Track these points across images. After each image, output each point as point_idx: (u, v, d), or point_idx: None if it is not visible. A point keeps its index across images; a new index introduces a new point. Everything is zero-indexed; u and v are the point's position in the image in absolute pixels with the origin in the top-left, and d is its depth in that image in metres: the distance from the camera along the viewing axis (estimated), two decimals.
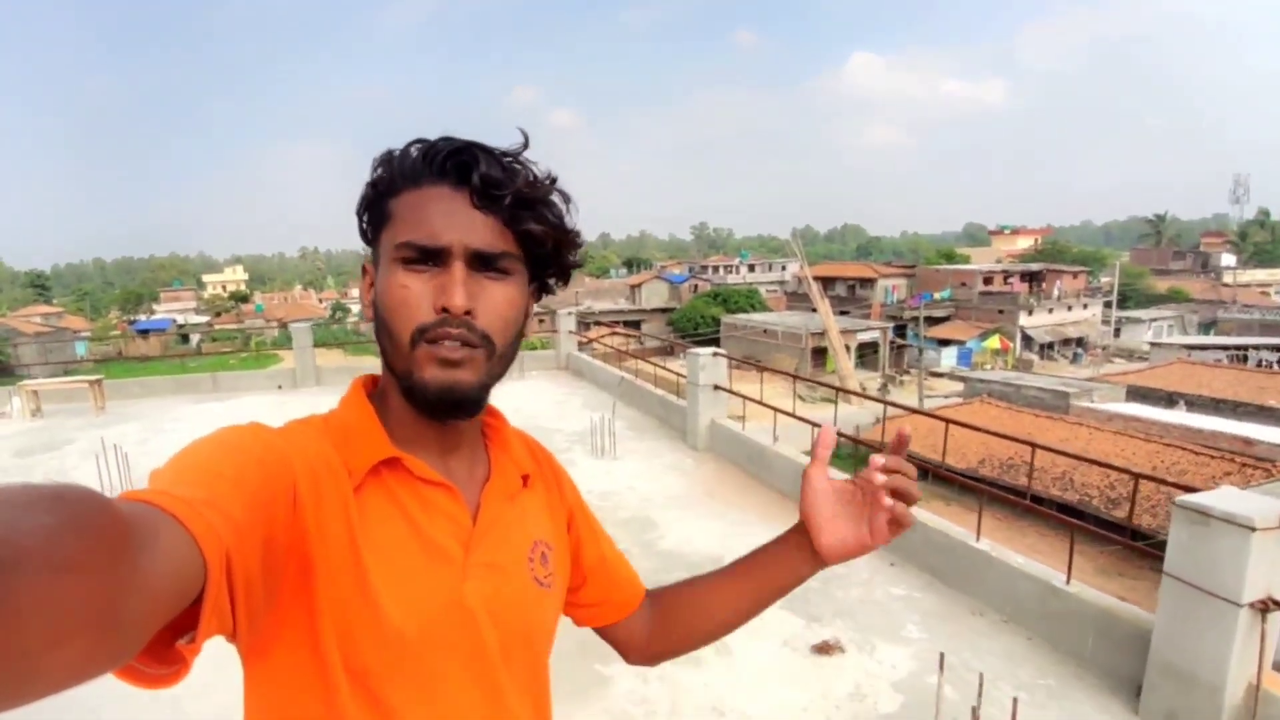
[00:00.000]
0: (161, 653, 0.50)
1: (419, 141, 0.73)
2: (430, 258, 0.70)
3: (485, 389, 0.73)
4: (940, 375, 33.61)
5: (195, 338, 41.79)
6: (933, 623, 3.72)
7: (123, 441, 6.98)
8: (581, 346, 12.03)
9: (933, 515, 4.41)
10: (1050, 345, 39.55)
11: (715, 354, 7.01)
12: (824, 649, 3.47)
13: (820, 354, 34.40)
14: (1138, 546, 3.89)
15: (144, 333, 39.53)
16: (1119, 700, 3.08)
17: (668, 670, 3.37)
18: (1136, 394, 23.57)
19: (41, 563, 0.35)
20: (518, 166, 0.71)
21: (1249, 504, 2.73)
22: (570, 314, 11.90)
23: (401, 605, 0.69)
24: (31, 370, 20.55)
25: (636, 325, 43.96)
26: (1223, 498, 2.80)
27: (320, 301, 66.69)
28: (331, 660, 0.66)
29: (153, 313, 62.91)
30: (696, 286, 53.45)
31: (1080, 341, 40.24)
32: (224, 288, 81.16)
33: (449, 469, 0.77)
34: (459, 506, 0.76)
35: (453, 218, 0.70)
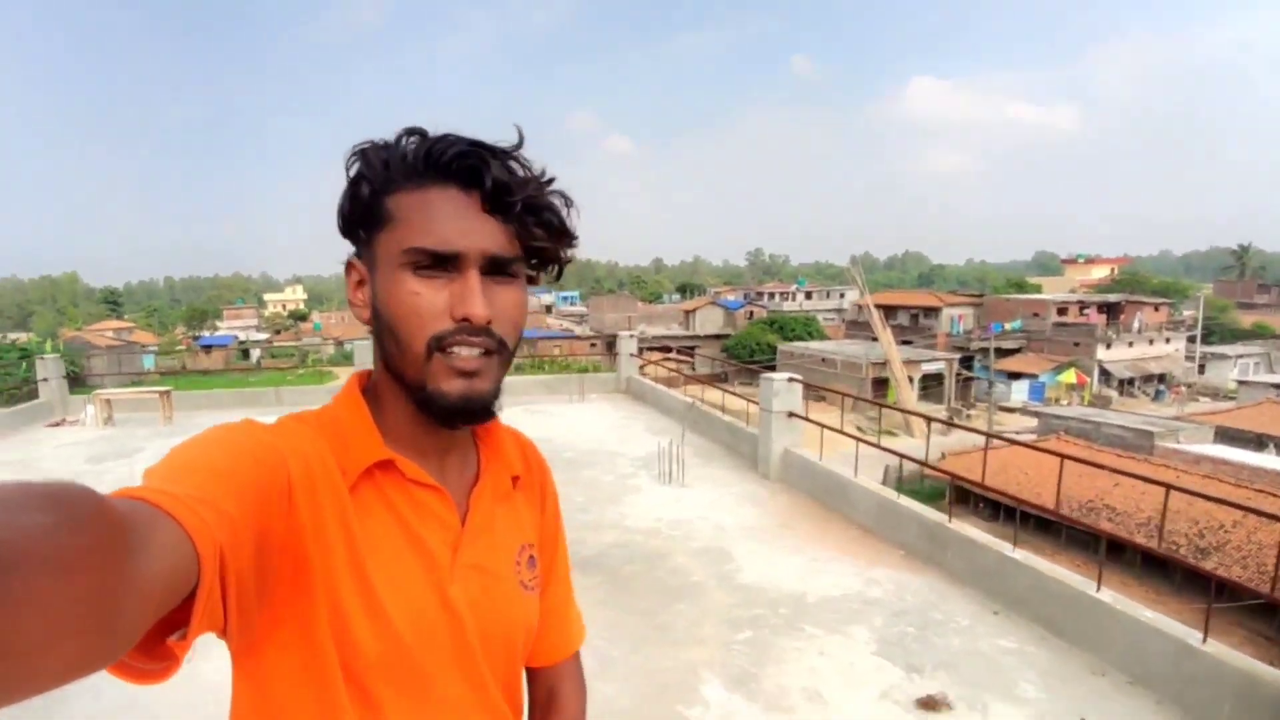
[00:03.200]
0: (152, 648, 0.50)
1: (410, 133, 0.70)
2: (443, 264, 0.69)
3: (497, 394, 0.74)
4: (1011, 410, 32.60)
5: (255, 353, 43.17)
6: (1050, 681, 3.41)
7: None
8: (640, 371, 11.91)
9: (1043, 560, 4.10)
10: (1130, 381, 38.11)
11: (790, 379, 6.79)
12: (929, 704, 3.20)
13: (881, 384, 33.69)
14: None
15: (207, 348, 40.88)
16: None
17: (757, 714, 3.15)
18: (1224, 435, 22.49)
19: (38, 562, 0.35)
20: (521, 169, 0.71)
21: None
22: (632, 337, 11.79)
23: (394, 605, 0.69)
24: (103, 381, 21.36)
25: (690, 351, 43.76)
26: None
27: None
28: (329, 657, 0.67)
29: (216, 329, 65.49)
30: (752, 313, 53.12)
31: (1162, 378, 38.70)
32: (284, 306, 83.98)
33: (441, 470, 0.78)
34: (448, 509, 0.76)
35: (465, 223, 0.68)
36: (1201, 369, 40.72)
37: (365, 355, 10.72)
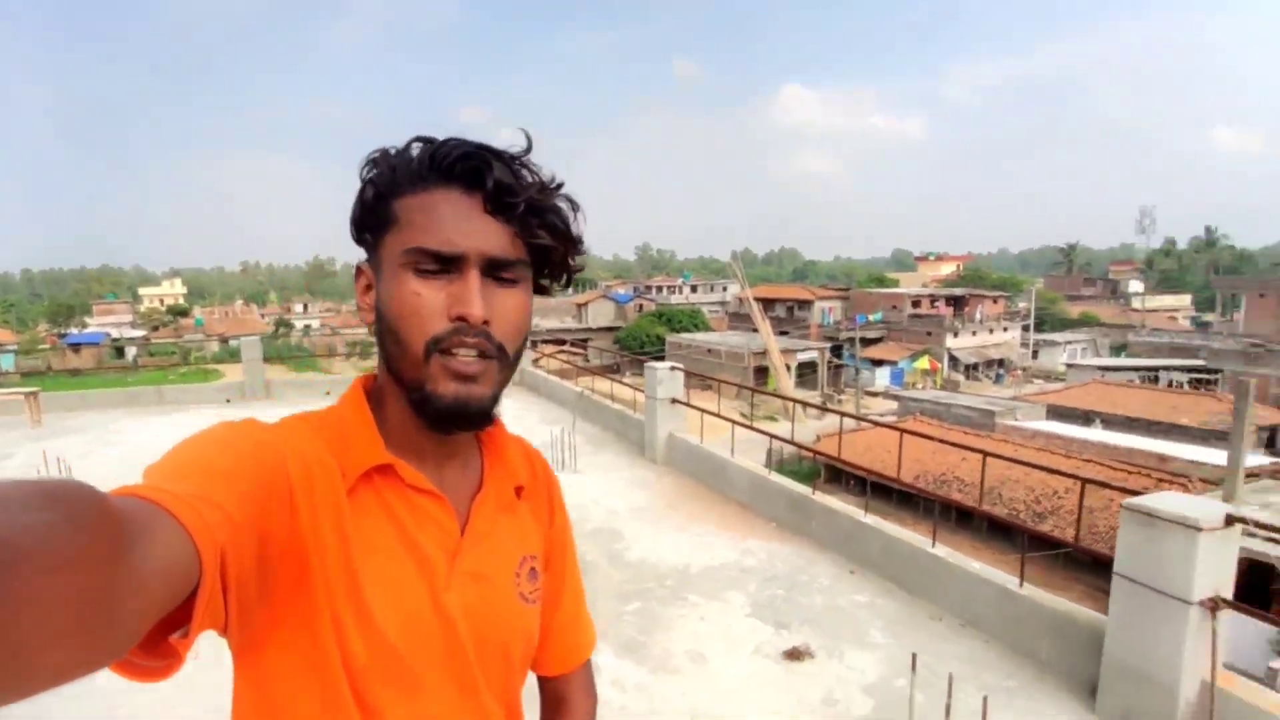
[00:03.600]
0: (154, 646, 0.49)
1: (420, 140, 0.70)
2: (443, 265, 0.67)
3: (496, 400, 0.71)
4: (875, 394, 34.40)
5: (132, 351, 40.05)
6: (896, 628, 3.77)
7: (65, 454, 6.63)
8: (534, 364, 11.93)
9: (890, 524, 4.49)
10: (974, 366, 40.86)
11: (673, 368, 7.03)
12: (795, 655, 3.48)
13: (762, 373, 34.82)
14: (1092, 552, 4.02)
15: (75, 346, 37.62)
16: (1077, 700, 3.16)
17: (645, 680, 3.34)
18: (1056, 413, 24.47)
19: (39, 560, 0.35)
20: (527, 171, 0.69)
21: (1194, 506, 2.86)
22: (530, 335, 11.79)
23: (387, 610, 0.68)
24: None
25: (584, 343, 43.85)
26: (1167, 500, 2.92)
27: (263, 316, 64.65)
28: (331, 658, 0.65)
29: (85, 326, 60.02)
30: (641, 306, 53.71)
31: (1002, 363, 41.68)
32: (161, 301, 78.06)
33: (442, 477, 0.75)
34: (448, 515, 0.74)
35: (466, 224, 0.67)
36: (1035, 354, 44.08)
37: (252, 351, 10.28)
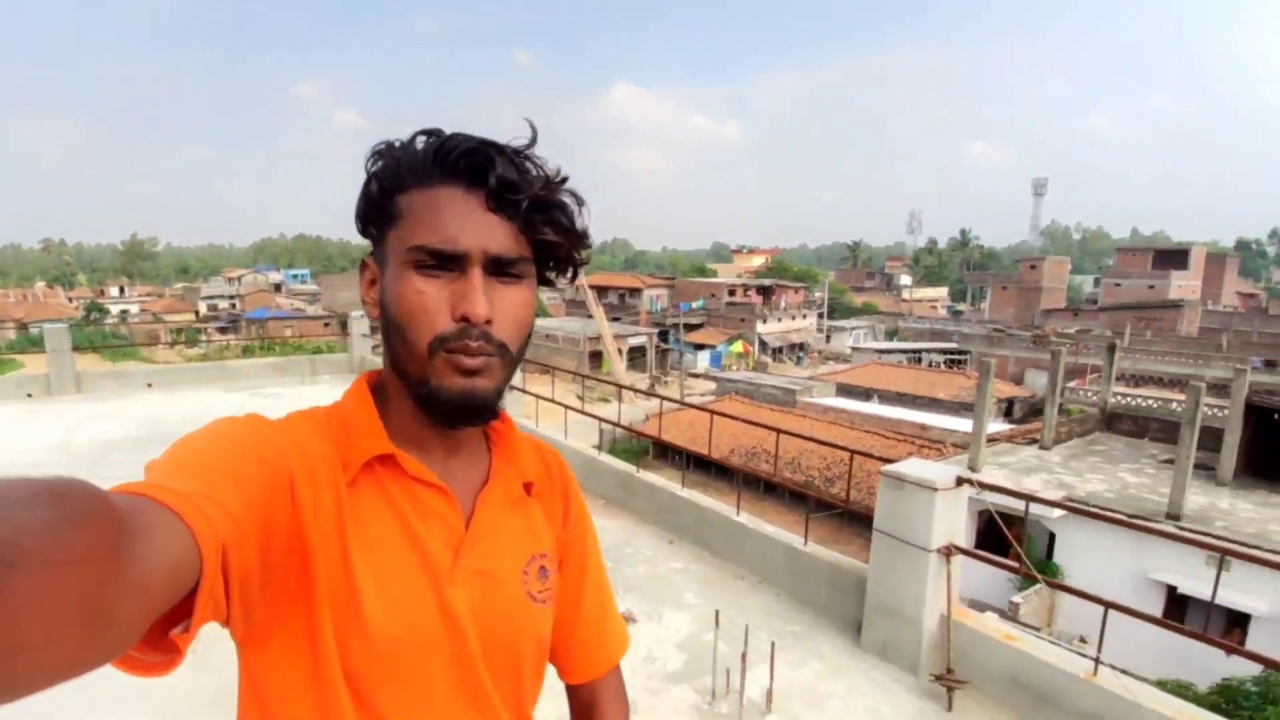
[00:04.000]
0: (155, 641, 0.48)
1: (425, 133, 0.67)
2: (446, 262, 0.65)
3: (500, 395, 0.69)
4: (697, 376, 35.87)
5: None
6: (706, 589, 4.04)
7: None
8: (374, 350, 11.39)
9: (702, 496, 4.78)
10: (780, 349, 43.66)
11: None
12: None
13: (596, 357, 35.25)
14: (860, 511, 4.50)
15: None
16: (847, 637, 3.56)
17: None
18: (843, 390, 26.74)
19: (40, 558, 0.34)
20: (531, 167, 0.67)
21: (932, 471, 3.29)
22: (363, 317, 11.21)
23: (387, 606, 0.64)
24: None
25: None
26: (913, 466, 3.34)
27: (70, 300, 56.46)
28: (329, 657, 0.63)
29: None
30: None
31: (802, 346, 44.87)
32: None
33: (448, 471, 0.72)
34: (452, 510, 0.70)
35: (469, 222, 0.64)
36: (828, 339, 47.84)
37: (58, 340, 9.01)
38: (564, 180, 0.68)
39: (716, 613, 3.23)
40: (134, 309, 53.11)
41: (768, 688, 3.01)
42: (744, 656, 3.00)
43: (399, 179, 0.66)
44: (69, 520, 0.36)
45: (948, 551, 3.21)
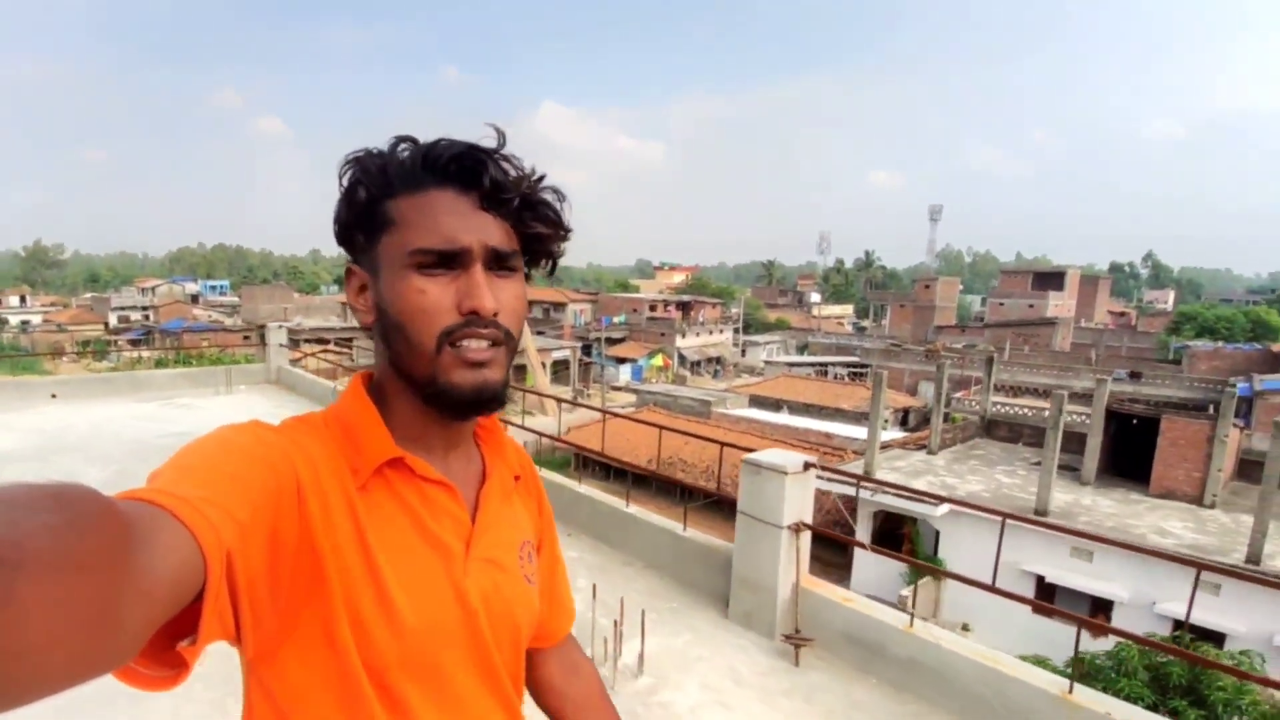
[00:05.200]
0: (161, 655, 0.47)
1: (403, 141, 0.69)
2: (447, 261, 0.66)
3: (507, 385, 0.70)
4: (619, 389, 36.21)
5: None
6: (596, 574, 4.30)
7: None
8: (293, 364, 11.21)
9: (594, 490, 5.07)
10: (698, 363, 44.52)
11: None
12: None
13: (520, 370, 35.12)
14: (729, 497, 4.88)
15: None
16: (717, 610, 3.90)
17: None
18: (756, 401, 27.60)
19: (44, 563, 0.33)
20: (511, 166, 0.69)
21: (783, 458, 3.65)
22: (281, 328, 11.03)
23: (411, 600, 0.66)
24: None
25: (349, 342, 41.01)
26: (768, 454, 3.70)
27: None
28: (350, 658, 0.63)
29: None
30: None
31: (719, 360, 45.90)
32: None
33: (449, 467, 0.73)
34: (458, 504, 0.72)
35: (467, 220, 0.66)
36: (743, 353, 49.07)
37: None
38: (542, 178, 0.71)
39: (594, 586, 3.51)
40: (36, 319, 49.49)
41: (639, 652, 3.31)
42: (616, 624, 3.30)
43: (387, 186, 0.67)
44: (73, 524, 0.36)
45: (797, 528, 3.60)
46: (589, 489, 5.09)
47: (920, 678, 3.11)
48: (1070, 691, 2.74)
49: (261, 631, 0.58)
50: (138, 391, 9.51)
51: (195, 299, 62.43)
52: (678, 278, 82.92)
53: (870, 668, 3.29)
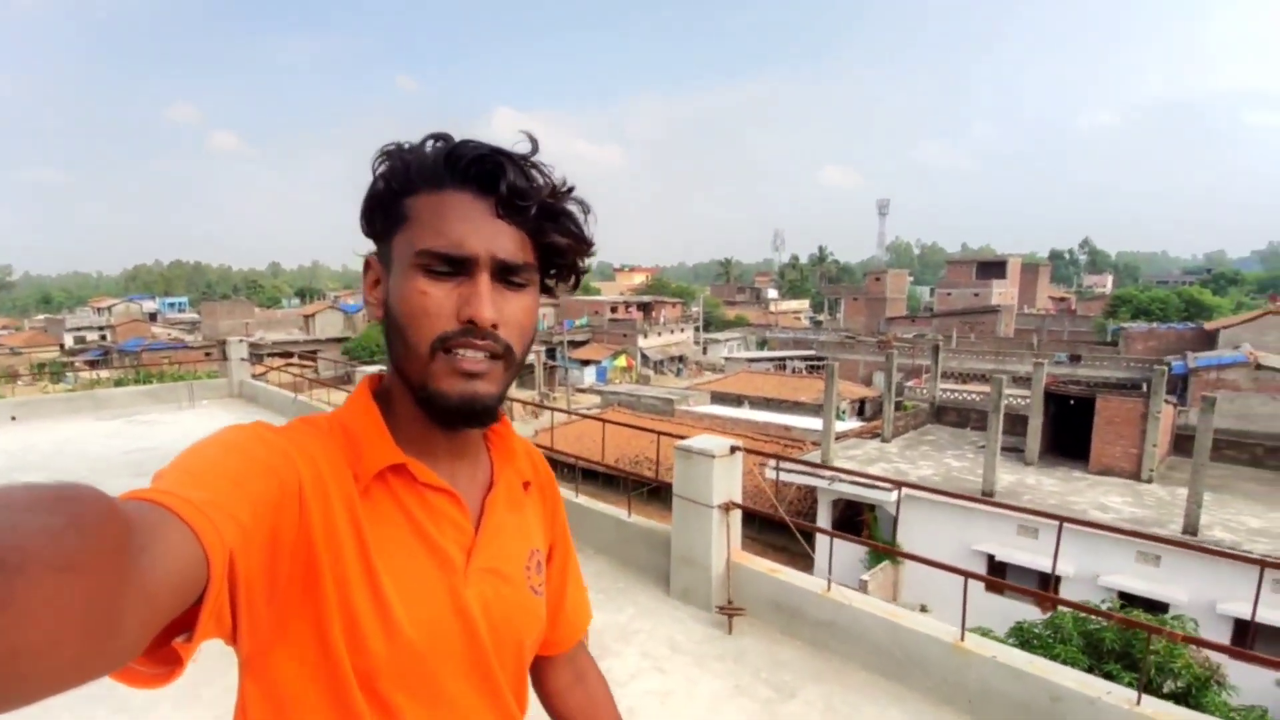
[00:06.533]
0: (156, 651, 0.47)
1: (435, 138, 0.67)
2: (454, 266, 0.64)
3: (502, 399, 0.68)
4: (584, 390, 36.32)
5: None
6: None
7: None
8: (256, 378, 11.18)
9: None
10: (661, 362, 44.71)
11: (380, 371, 7.25)
12: None
13: None
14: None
15: None
16: (659, 588, 4.14)
17: None
18: (717, 398, 27.90)
19: (46, 563, 0.33)
20: (539, 175, 0.66)
21: (711, 442, 3.89)
22: (243, 342, 10.99)
23: (408, 609, 0.64)
24: None
25: (313, 355, 40.45)
26: (698, 440, 3.94)
27: None
28: (340, 662, 0.62)
29: None
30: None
31: (681, 358, 46.18)
32: None
33: (453, 474, 0.71)
34: (461, 512, 0.70)
35: (478, 226, 0.64)
36: (705, 351, 49.36)
37: None
38: (570, 189, 0.68)
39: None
40: None
41: None
42: None
43: (408, 182, 0.65)
44: (75, 525, 0.35)
45: (727, 507, 3.86)
46: None
47: (835, 635, 3.40)
48: (962, 639, 3.05)
49: (257, 631, 0.57)
50: (99, 410, 9.44)
51: (153, 317, 60.81)
52: (638, 279, 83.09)
53: (794, 630, 3.57)
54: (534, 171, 0.66)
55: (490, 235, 0.64)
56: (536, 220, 0.66)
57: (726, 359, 42.75)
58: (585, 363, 41.85)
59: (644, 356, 43.29)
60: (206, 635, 0.50)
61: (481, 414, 0.66)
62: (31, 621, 0.32)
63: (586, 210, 0.70)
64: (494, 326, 0.64)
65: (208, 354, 29.97)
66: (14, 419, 8.79)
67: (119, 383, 13.32)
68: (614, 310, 47.74)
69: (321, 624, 0.61)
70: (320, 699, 0.63)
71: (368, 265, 0.71)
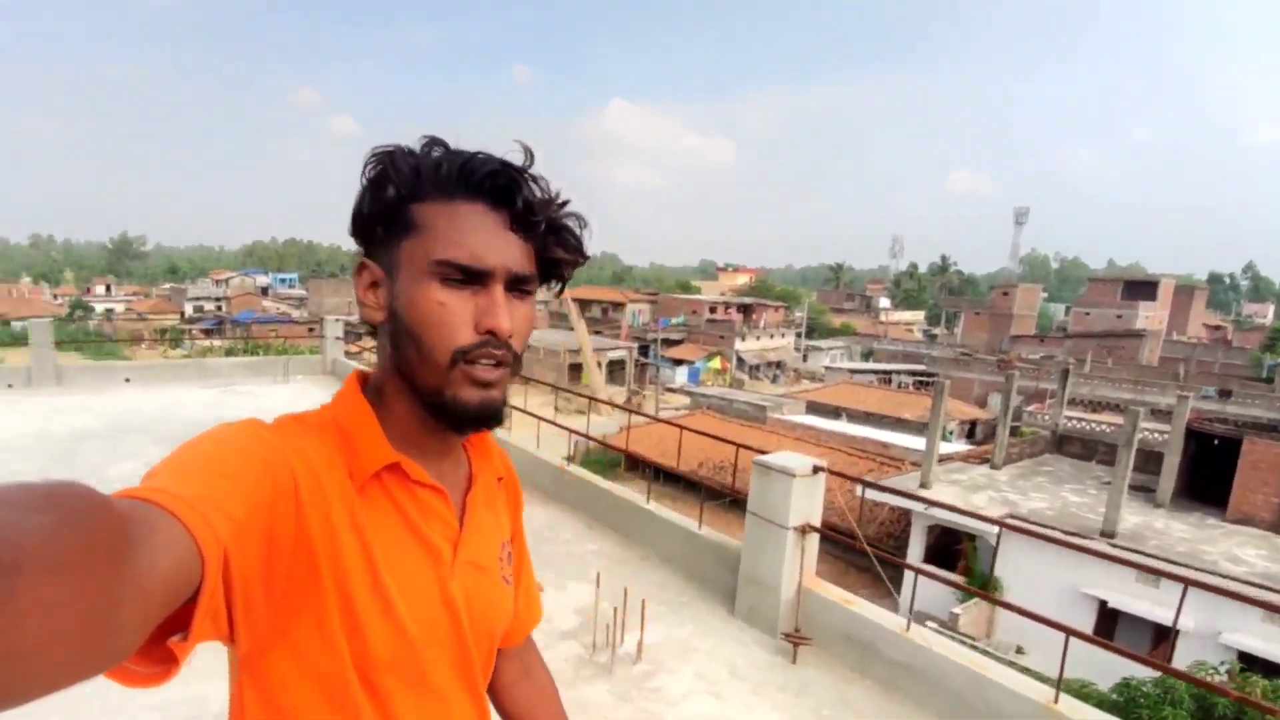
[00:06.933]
0: (151, 650, 0.48)
1: (435, 144, 0.70)
2: (470, 277, 0.67)
3: (507, 402, 0.73)
4: (674, 391, 36.39)
5: None
6: (614, 566, 4.55)
7: None
8: (352, 355, 11.83)
9: (619, 487, 5.30)
10: (757, 366, 44.22)
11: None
12: None
13: (576, 369, 35.69)
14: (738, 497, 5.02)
15: None
16: (724, 606, 4.08)
17: None
18: (813, 408, 27.27)
19: (41, 562, 0.34)
20: (539, 189, 0.70)
21: (793, 461, 3.79)
22: (338, 321, 11.68)
23: (407, 602, 0.69)
24: None
25: None
26: (778, 457, 3.85)
27: (55, 298, 56.21)
28: (341, 657, 0.65)
29: None
30: None
31: (779, 364, 45.50)
32: None
33: (440, 472, 0.76)
34: (448, 508, 0.75)
35: (494, 239, 0.68)
36: (805, 358, 48.53)
37: (41, 334, 9.42)
38: (566, 203, 0.73)
39: (598, 575, 3.74)
40: (119, 308, 53.12)
41: (639, 640, 3.52)
42: (616, 610, 3.52)
43: (417, 188, 0.68)
44: (70, 523, 0.36)
45: (804, 530, 3.74)
46: (610, 485, 5.33)
47: (911, 678, 3.23)
48: (1055, 701, 2.82)
49: (254, 630, 0.59)
50: (205, 378, 10.28)
51: (265, 291, 65.73)
52: (741, 279, 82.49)
53: (864, 667, 3.42)
54: (539, 186, 0.70)
55: (503, 248, 0.68)
56: (543, 234, 0.71)
57: (828, 368, 41.76)
58: (678, 362, 41.89)
59: (740, 359, 42.92)
60: (203, 634, 0.51)
61: (493, 419, 0.71)
62: (29, 620, 0.33)
63: (583, 225, 0.75)
64: (509, 337, 0.69)
65: (311, 329, 32.08)
66: (128, 380, 9.70)
67: (229, 352, 14.56)
68: (713, 310, 47.62)
69: (322, 620, 0.64)
70: (320, 693, 0.65)
71: (363, 267, 0.73)
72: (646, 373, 40.61)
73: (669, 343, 43.73)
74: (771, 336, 46.53)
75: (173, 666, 0.49)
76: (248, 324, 36.09)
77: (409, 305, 0.68)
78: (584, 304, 47.83)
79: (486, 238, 0.68)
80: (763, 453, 4.02)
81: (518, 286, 0.71)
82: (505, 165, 0.69)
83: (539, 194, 0.70)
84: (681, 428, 5.72)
